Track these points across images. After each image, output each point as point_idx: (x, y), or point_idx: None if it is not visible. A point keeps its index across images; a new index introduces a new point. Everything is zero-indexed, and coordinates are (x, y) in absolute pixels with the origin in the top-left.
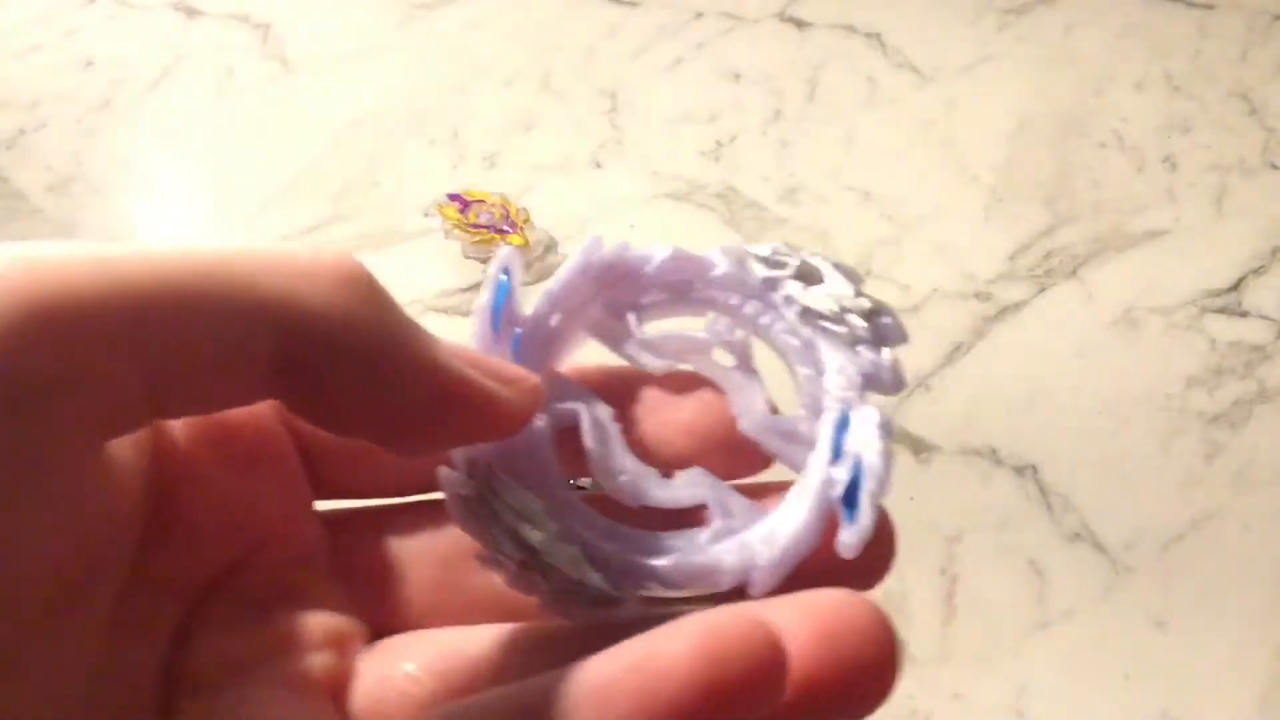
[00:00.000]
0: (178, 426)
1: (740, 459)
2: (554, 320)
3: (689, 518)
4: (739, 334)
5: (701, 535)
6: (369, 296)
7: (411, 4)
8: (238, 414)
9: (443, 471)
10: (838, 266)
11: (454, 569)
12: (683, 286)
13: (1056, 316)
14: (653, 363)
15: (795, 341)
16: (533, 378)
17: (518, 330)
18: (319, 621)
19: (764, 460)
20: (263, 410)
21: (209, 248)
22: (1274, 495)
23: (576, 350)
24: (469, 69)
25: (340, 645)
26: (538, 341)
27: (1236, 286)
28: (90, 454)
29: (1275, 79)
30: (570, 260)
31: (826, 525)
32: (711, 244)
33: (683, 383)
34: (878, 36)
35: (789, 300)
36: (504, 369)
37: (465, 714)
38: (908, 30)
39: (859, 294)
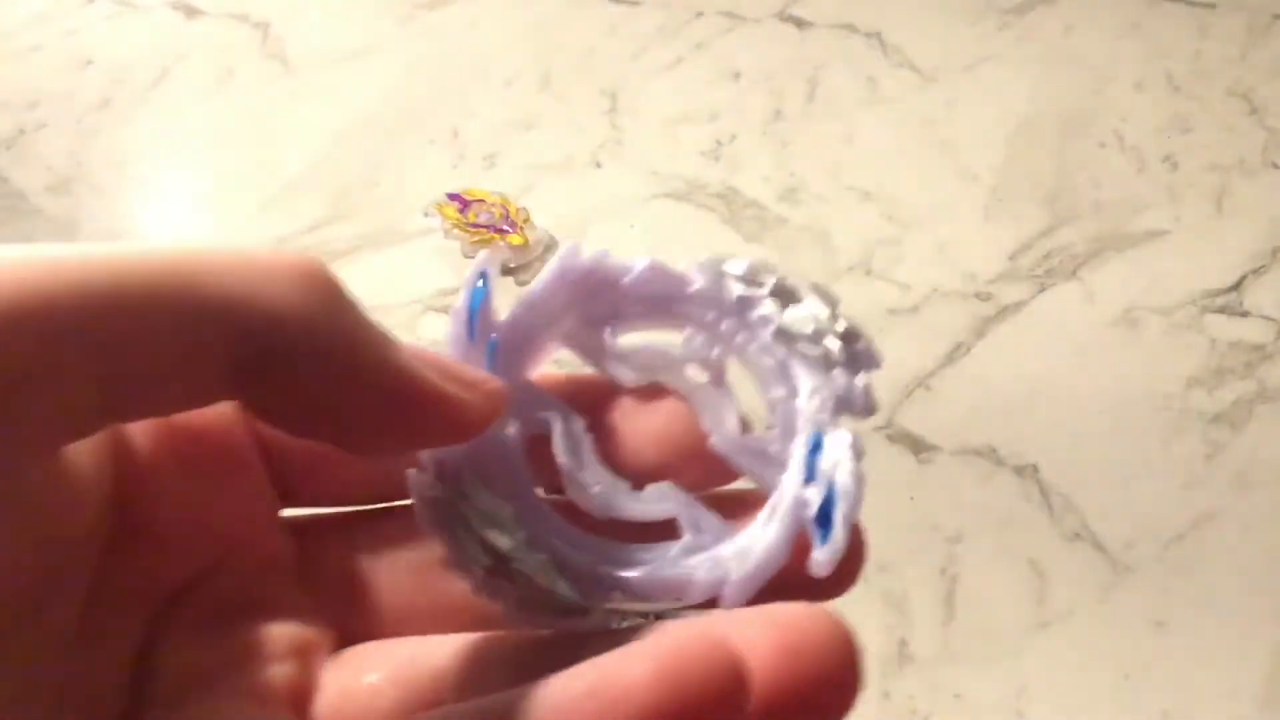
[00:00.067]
0: (140, 435)
1: (712, 469)
2: (530, 327)
3: (658, 529)
4: (715, 351)
5: (672, 549)
6: (328, 297)
7: (411, 4)
8: (202, 422)
9: (411, 474)
10: (814, 288)
11: (424, 577)
12: (659, 300)
13: (1056, 316)
14: (626, 375)
15: (770, 361)
16: (495, 382)
17: (494, 336)
18: (284, 631)
19: (735, 471)
20: (227, 418)
21: (167, 247)
22: (1274, 495)
23: (552, 357)
24: (469, 69)
25: (305, 655)
26: (513, 348)
27: (1237, 286)
28: (44, 460)
29: (1275, 79)
30: (548, 267)
31: (796, 543)
32: (711, 243)
33: (653, 393)
34: (878, 36)
35: (764, 320)
36: (465, 373)
37: None
38: (908, 30)
39: (835, 316)
